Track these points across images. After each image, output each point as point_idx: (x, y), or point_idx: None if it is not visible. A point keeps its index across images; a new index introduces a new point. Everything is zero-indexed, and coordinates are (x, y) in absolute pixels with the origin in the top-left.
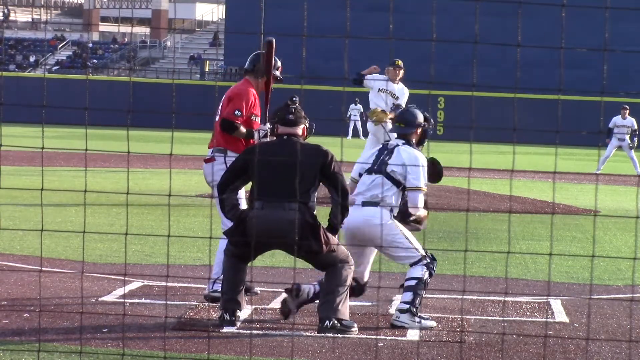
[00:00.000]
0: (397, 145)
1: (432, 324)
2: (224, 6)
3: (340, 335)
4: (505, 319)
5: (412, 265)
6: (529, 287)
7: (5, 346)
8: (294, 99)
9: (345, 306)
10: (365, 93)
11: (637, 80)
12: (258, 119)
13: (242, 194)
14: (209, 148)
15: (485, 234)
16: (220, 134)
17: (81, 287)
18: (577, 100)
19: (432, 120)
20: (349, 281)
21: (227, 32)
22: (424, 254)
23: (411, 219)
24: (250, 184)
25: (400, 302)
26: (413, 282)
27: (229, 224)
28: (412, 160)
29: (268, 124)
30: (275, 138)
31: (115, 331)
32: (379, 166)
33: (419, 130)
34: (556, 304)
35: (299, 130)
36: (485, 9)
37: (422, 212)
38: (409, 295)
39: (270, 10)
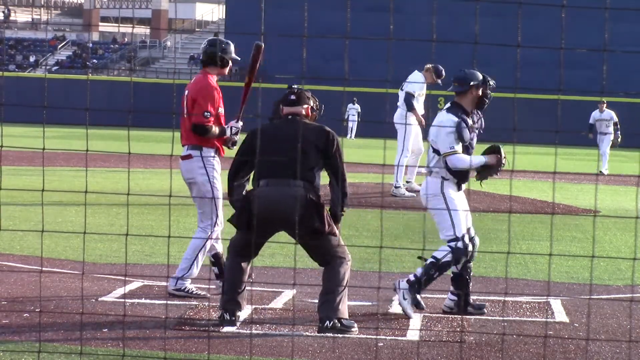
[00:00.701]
0: (441, 110)
1: (411, 315)
2: (224, 6)
3: (340, 335)
4: (505, 319)
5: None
6: (529, 287)
7: (5, 346)
8: (294, 86)
9: (345, 305)
10: (362, 93)
11: (637, 80)
12: (222, 110)
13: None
14: (182, 145)
15: (485, 234)
16: (187, 133)
17: (81, 287)
18: (577, 100)
19: (490, 84)
20: (347, 279)
21: (227, 32)
22: (459, 236)
23: (475, 175)
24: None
25: (412, 274)
26: (429, 262)
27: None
28: (439, 126)
29: (240, 122)
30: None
31: (115, 331)
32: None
33: (475, 93)
34: (556, 304)
35: (302, 109)
36: (485, 9)
37: (477, 161)
38: (420, 272)
39: (270, 10)
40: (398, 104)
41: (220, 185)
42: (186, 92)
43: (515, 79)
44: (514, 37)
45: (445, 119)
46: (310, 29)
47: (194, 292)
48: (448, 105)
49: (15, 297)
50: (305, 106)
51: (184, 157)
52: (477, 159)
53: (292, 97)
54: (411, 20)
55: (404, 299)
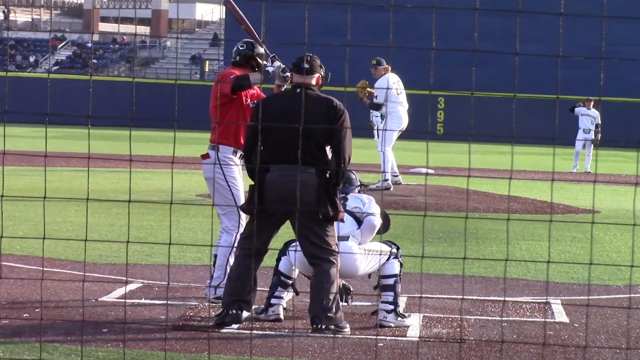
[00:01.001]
0: (348, 193)
1: (409, 322)
2: (224, 6)
3: (340, 336)
4: (505, 319)
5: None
6: (528, 287)
7: (5, 347)
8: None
9: (337, 305)
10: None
11: (637, 80)
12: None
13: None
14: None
15: (485, 234)
16: (212, 131)
17: (82, 287)
18: (576, 100)
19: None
20: (337, 279)
21: (227, 32)
22: (389, 248)
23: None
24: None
25: (383, 303)
26: (391, 281)
27: (232, 227)
28: (367, 199)
29: (277, 62)
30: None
31: (116, 331)
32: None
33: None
34: (556, 304)
35: (313, 79)
36: (484, 11)
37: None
38: (390, 295)
39: (270, 10)
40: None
41: (241, 185)
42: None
43: (514, 79)
44: (513, 35)
45: (371, 198)
46: (310, 29)
47: None
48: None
49: (15, 297)
50: (317, 75)
51: (204, 156)
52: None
53: (305, 65)
54: (411, 20)
55: (399, 321)
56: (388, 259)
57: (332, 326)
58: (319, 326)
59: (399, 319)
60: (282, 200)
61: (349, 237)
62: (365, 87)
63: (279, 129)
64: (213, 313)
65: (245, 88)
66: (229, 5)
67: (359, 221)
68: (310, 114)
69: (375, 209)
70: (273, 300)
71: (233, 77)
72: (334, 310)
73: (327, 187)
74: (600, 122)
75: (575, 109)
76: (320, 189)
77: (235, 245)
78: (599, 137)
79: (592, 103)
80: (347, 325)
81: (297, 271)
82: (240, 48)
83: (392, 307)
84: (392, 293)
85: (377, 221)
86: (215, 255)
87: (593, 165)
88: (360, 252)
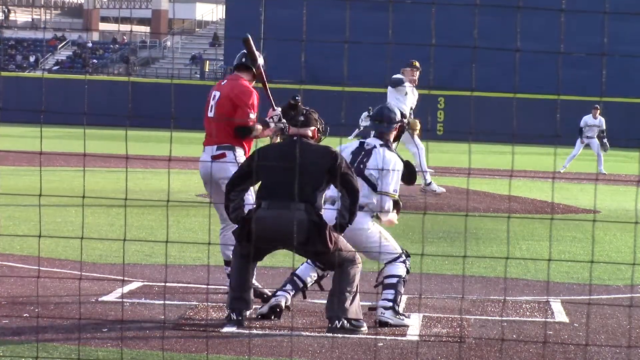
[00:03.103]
0: (375, 146)
1: (409, 322)
2: (224, 6)
3: (340, 335)
4: (505, 319)
5: (389, 262)
6: (528, 287)
7: (4, 347)
8: (297, 97)
9: (355, 305)
10: (363, 93)
11: (637, 80)
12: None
13: (251, 191)
14: (207, 145)
15: (485, 234)
16: (223, 131)
17: (79, 286)
18: (576, 100)
19: (407, 116)
20: (357, 280)
21: (227, 32)
22: (401, 251)
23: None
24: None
25: (383, 300)
26: (394, 280)
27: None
28: (387, 164)
29: (278, 109)
30: (285, 138)
31: (115, 331)
32: (356, 168)
33: (398, 129)
34: (556, 304)
35: (309, 131)
36: (484, 8)
37: (392, 217)
38: (391, 293)
39: (270, 9)
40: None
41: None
42: (216, 93)
43: (514, 79)
44: (514, 34)
45: (392, 158)
46: (310, 29)
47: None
48: (380, 142)
49: (15, 297)
50: (312, 128)
51: (217, 157)
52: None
53: (301, 118)
54: (410, 20)
55: (397, 319)
56: (395, 260)
57: (348, 324)
58: (335, 325)
59: (398, 317)
60: (270, 237)
61: (364, 207)
62: (416, 127)
63: (274, 172)
64: (213, 313)
65: (245, 136)
66: (248, 45)
67: (374, 187)
68: (307, 159)
69: (391, 186)
70: (279, 292)
71: (245, 117)
72: (349, 305)
73: (319, 223)
74: (605, 128)
75: (582, 122)
76: (311, 224)
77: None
78: (607, 144)
79: (598, 112)
80: (365, 325)
81: (313, 279)
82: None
83: (390, 304)
84: (392, 291)
85: (388, 205)
86: (228, 260)
87: (590, 165)
88: (375, 230)
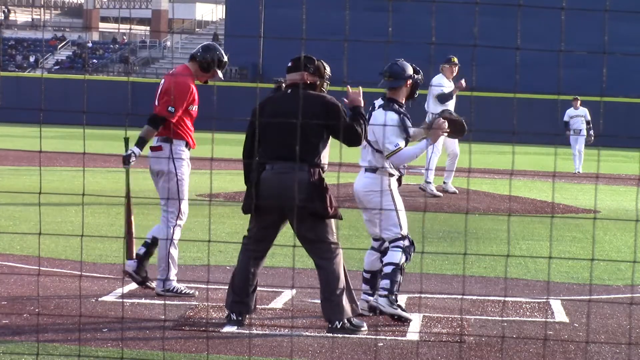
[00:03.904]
0: (374, 109)
1: (409, 317)
2: (224, 6)
3: (340, 335)
4: (505, 319)
5: (390, 244)
6: (528, 287)
7: (4, 346)
8: (279, 80)
9: (348, 303)
10: (363, 93)
11: (636, 80)
12: (195, 107)
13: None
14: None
15: (485, 234)
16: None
17: (79, 286)
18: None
19: (421, 72)
20: (342, 271)
21: (227, 32)
22: (405, 234)
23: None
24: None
25: (380, 288)
26: (390, 269)
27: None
28: (380, 126)
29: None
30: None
31: (115, 331)
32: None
33: (409, 83)
34: (556, 304)
35: (298, 76)
36: (484, 9)
37: (420, 146)
38: (387, 283)
39: (270, 9)
40: (427, 107)
41: (187, 178)
42: (162, 81)
43: (514, 79)
44: (513, 35)
45: (385, 118)
46: (310, 29)
47: (183, 291)
48: (381, 102)
49: (15, 297)
50: (303, 73)
51: (155, 148)
52: (419, 145)
53: (290, 64)
54: (410, 20)
55: (391, 308)
56: (396, 241)
57: (349, 324)
58: (334, 326)
59: (392, 306)
60: (276, 197)
61: (376, 170)
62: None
63: (273, 129)
64: (213, 313)
65: (151, 127)
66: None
67: (380, 151)
68: (304, 112)
69: (390, 145)
70: (362, 296)
71: (164, 109)
72: (344, 305)
73: (320, 185)
74: (590, 119)
75: (565, 115)
76: (312, 186)
77: (173, 238)
78: (592, 135)
79: (579, 102)
80: (364, 324)
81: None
82: (205, 50)
83: (385, 292)
84: (388, 281)
85: (404, 156)
86: (151, 240)
87: (590, 165)
88: (387, 191)
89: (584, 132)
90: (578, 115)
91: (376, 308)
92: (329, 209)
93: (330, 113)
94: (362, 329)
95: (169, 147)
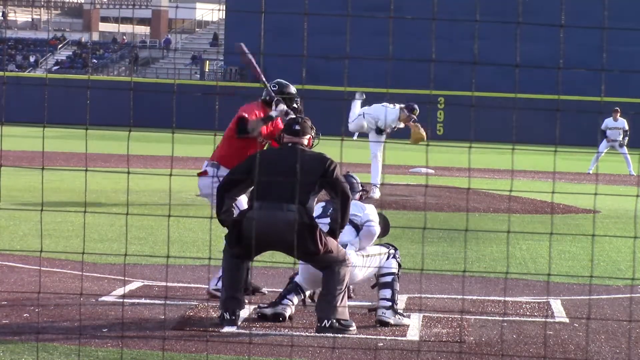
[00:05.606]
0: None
1: (408, 322)
2: (224, 6)
3: (340, 335)
4: (505, 319)
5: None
6: (528, 287)
7: (4, 346)
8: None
9: (343, 305)
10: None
11: (636, 80)
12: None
13: (243, 198)
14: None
15: (486, 234)
16: (219, 149)
17: (80, 286)
18: (576, 100)
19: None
20: (347, 280)
21: (227, 32)
22: (387, 249)
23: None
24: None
25: (382, 299)
26: (389, 278)
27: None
28: (363, 207)
29: (282, 105)
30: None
31: (115, 331)
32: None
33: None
34: (556, 304)
35: (305, 140)
36: (485, 8)
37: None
38: (388, 293)
39: (270, 9)
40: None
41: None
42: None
43: (515, 79)
44: (514, 36)
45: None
46: (310, 29)
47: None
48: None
49: (15, 297)
50: (307, 137)
51: (201, 174)
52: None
53: (297, 127)
54: (410, 20)
55: (397, 319)
56: (387, 258)
57: (337, 324)
58: (324, 324)
59: (398, 316)
60: (262, 238)
61: (347, 245)
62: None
63: (268, 175)
64: (213, 313)
65: (246, 133)
66: (241, 51)
67: (357, 228)
68: (302, 164)
69: (374, 217)
70: (284, 300)
71: (238, 117)
72: (338, 306)
73: (310, 224)
74: (627, 128)
75: (603, 124)
76: (301, 225)
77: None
78: (626, 140)
79: (618, 114)
80: (353, 324)
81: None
82: (272, 88)
83: (390, 303)
84: (389, 290)
85: (376, 229)
86: None
87: (604, 166)
88: (359, 259)
89: (621, 141)
90: (617, 128)
91: (387, 323)
92: (319, 247)
93: (329, 170)
94: (351, 328)
95: (215, 172)
